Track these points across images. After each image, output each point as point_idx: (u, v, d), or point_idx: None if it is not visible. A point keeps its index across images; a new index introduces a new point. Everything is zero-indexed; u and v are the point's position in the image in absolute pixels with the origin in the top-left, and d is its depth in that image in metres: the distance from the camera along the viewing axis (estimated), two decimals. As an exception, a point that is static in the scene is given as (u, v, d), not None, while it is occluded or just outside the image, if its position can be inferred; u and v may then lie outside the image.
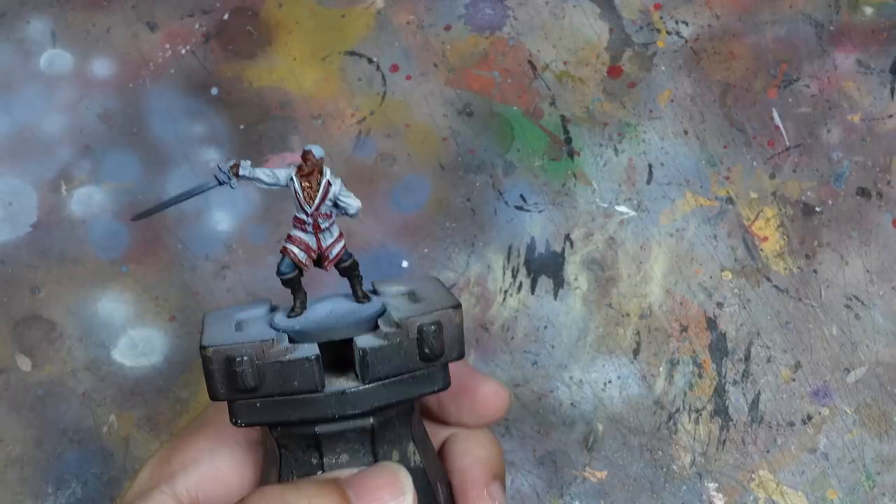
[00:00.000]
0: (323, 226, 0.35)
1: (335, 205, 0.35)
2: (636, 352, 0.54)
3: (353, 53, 0.59)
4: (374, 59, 0.59)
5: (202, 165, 0.57)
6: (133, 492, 0.37)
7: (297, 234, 0.35)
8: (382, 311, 0.34)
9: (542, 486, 0.52)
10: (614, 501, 0.52)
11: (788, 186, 0.56)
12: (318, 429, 0.33)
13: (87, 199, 0.57)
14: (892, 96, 0.56)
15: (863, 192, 0.55)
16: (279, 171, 0.35)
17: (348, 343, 0.33)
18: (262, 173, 0.35)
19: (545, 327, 0.54)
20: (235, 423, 0.33)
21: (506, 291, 0.55)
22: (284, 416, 0.32)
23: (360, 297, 0.36)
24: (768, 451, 0.52)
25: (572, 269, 0.55)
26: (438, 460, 0.38)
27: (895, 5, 0.58)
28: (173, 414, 0.54)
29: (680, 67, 0.58)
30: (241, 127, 0.58)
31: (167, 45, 0.59)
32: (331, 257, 0.35)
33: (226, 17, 0.60)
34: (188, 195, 0.37)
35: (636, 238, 0.55)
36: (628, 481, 0.52)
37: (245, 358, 0.31)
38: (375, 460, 0.33)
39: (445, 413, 0.40)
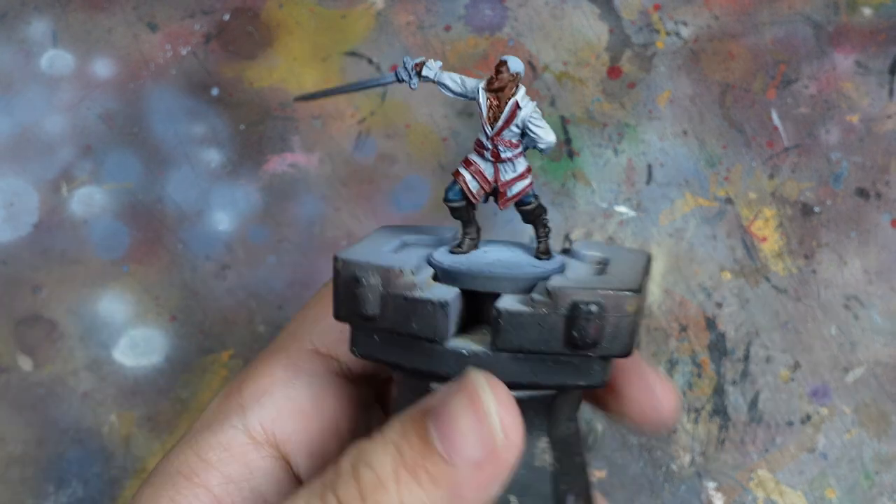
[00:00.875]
0: (504, 155, 0.30)
1: (524, 133, 0.29)
2: (635, 352, 0.54)
3: (353, 54, 0.59)
4: (375, 60, 0.59)
5: (203, 166, 0.57)
6: (201, 423, 0.33)
7: (475, 158, 0.30)
8: (554, 273, 0.29)
9: (542, 485, 0.52)
10: (614, 501, 0.52)
11: (787, 187, 0.56)
12: (433, 385, 0.28)
13: (88, 200, 0.57)
14: (891, 97, 0.57)
15: (861, 193, 0.55)
16: (469, 81, 0.30)
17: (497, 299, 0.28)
18: (448, 79, 0.30)
19: (545, 327, 0.55)
20: (353, 352, 0.30)
21: (505, 291, 0.55)
22: (399, 360, 0.29)
23: (540, 251, 0.31)
24: (767, 451, 0.52)
25: (572, 269, 0.55)
26: (585, 465, 0.32)
27: (894, 6, 0.58)
28: (174, 414, 0.54)
29: (679, 68, 0.58)
30: (242, 127, 0.58)
31: (168, 46, 0.59)
32: (509, 195, 0.30)
33: (226, 17, 0.60)
34: (361, 86, 0.33)
35: (635, 238, 0.56)
36: (628, 481, 0.52)
37: (371, 282, 0.28)
38: None
39: (600, 400, 0.34)
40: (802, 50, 0.58)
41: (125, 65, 0.59)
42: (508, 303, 0.27)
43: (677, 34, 0.59)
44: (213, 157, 0.58)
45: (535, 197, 0.31)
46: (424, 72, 0.30)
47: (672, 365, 0.54)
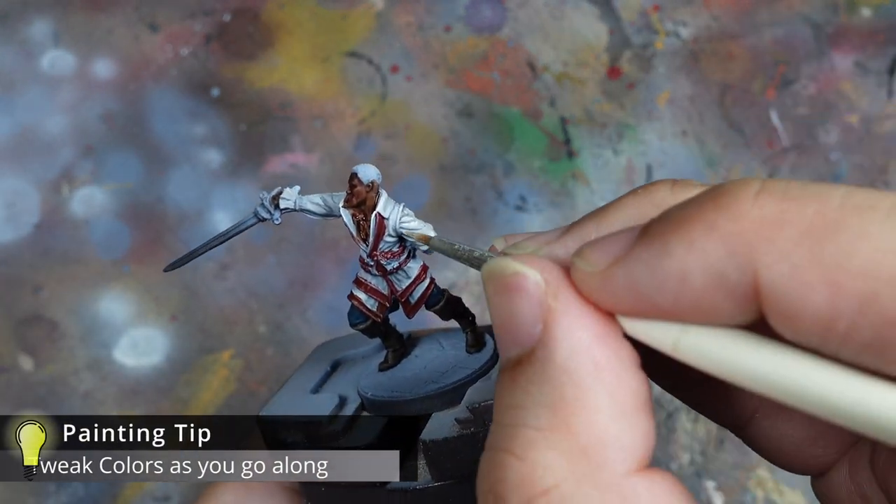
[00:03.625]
0: (390, 267, 0.28)
1: (402, 239, 0.27)
2: (635, 351, 0.54)
3: (353, 54, 0.59)
4: (375, 61, 0.59)
5: (203, 166, 0.57)
6: None
7: (365, 276, 0.28)
8: (485, 371, 0.27)
9: (542, 484, 0.52)
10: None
11: (786, 187, 0.56)
12: None
13: (89, 200, 0.57)
14: (890, 97, 0.57)
15: (860, 193, 0.55)
16: (332, 199, 0.28)
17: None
18: (310, 203, 0.28)
19: (545, 327, 0.55)
20: None
21: (505, 291, 0.55)
22: None
23: (469, 344, 0.29)
24: (767, 450, 0.52)
25: (572, 269, 0.55)
26: None
27: (892, 7, 0.58)
28: (174, 413, 0.54)
29: (679, 69, 0.58)
30: (242, 128, 0.58)
31: (168, 47, 0.60)
32: (412, 303, 0.28)
33: (227, 18, 0.60)
34: (226, 236, 0.31)
35: (635, 238, 0.56)
36: (627, 480, 0.52)
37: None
38: None
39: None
40: (802, 51, 0.58)
41: (126, 65, 0.59)
42: (433, 430, 0.26)
43: (677, 35, 0.59)
44: (213, 157, 0.58)
45: (442, 294, 0.29)
46: (282, 203, 0.28)
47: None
